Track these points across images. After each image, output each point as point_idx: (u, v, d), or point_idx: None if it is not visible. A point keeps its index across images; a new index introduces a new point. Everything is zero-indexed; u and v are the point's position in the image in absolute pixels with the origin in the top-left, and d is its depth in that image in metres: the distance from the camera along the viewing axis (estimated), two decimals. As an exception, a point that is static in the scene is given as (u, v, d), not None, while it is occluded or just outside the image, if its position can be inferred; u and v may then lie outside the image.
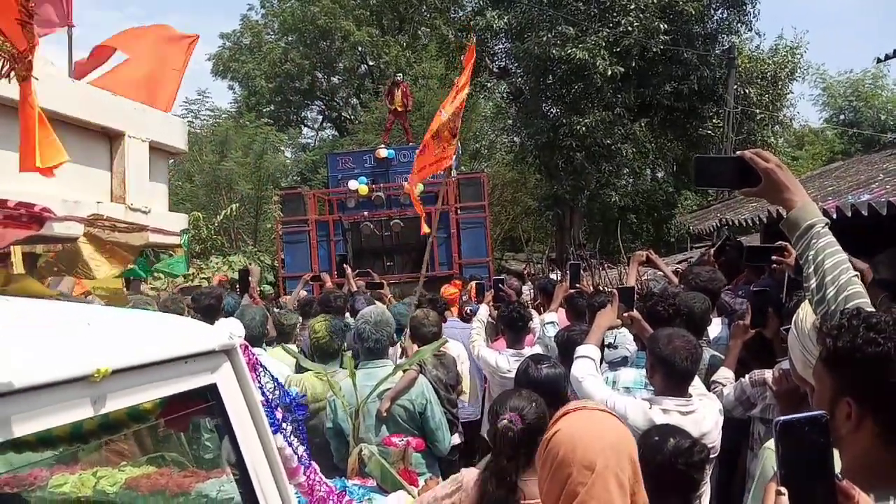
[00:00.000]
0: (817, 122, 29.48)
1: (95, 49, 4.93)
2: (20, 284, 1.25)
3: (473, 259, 12.35)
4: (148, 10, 68.92)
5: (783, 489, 1.15)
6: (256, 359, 1.53)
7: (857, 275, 1.75)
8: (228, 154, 19.51)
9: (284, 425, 1.60)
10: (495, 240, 21.21)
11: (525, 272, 15.46)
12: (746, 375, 3.11)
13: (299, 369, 3.97)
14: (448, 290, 8.05)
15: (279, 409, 1.61)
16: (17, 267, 1.38)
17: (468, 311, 7.00)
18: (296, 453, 1.63)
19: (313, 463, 1.77)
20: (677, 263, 9.64)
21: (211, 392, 1.39)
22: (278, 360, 4.12)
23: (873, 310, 1.49)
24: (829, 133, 28.04)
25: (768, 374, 2.99)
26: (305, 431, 1.72)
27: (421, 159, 6.12)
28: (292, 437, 1.62)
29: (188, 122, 22.30)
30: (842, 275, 1.72)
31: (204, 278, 11.82)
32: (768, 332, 3.33)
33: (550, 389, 2.63)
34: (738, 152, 1.86)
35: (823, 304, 1.72)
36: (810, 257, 1.77)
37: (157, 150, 1.71)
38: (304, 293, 7.32)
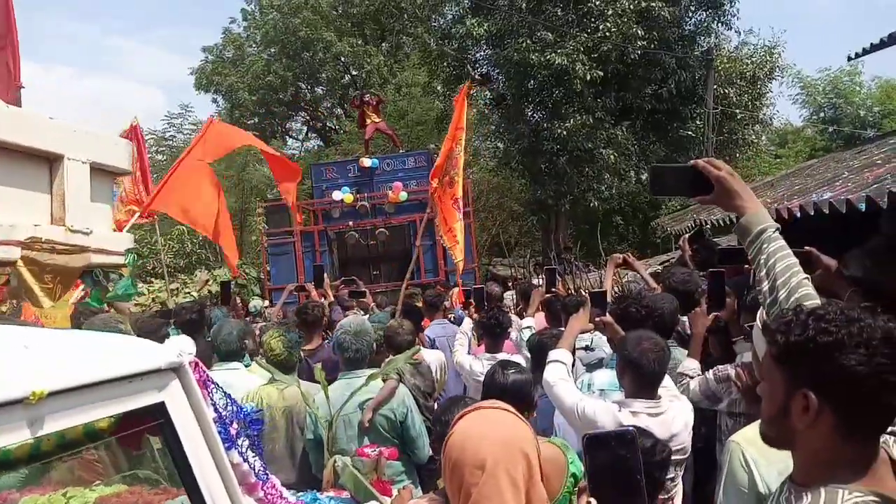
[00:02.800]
0: (798, 120, 29.82)
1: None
2: (-45, 310, 1.25)
3: (458, 266, 12.31)
4: (129, 24, 68.71)
5: (593, 500, 1.20)
6: (208, 376, 1.53)
7: (807, 277, 1.78)
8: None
9: (239, 441, 1.60)
10: (483, 245, 21.23)
11: (512, 277, 15.50)
12: (710, 371, 3.13)
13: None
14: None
15: (234, 424, 1.61)
16: (-37, 291, 1.38)
17: (452, 318, 7.02)
18: (252, 469, 1.63)
19: (272, 477, 1.77)
20: (659, 265, 9.69)
21: (159, 411, 1.40)
22: (258, 375, 4.12)
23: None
24: (809, 131, 28.30)
25: (732, 370, 3.02)
26: (261, 447, 1.72)
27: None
28: (248, 453, 1.62)
29: (170, 136, 22.24)
30: (792, 277, 1.76)
31: (188, 293, 11.79)
32: (725, 313, 3.38)
33: (517, 395, 2.65)
34: (691, 161, 1.91)
35: (776, 306, 1.76)
36: (762, 261, 1.81)
37: (99, 171, 1.72)
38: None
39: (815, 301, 1.71)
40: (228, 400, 1.58)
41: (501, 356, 4.46)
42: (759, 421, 2.05)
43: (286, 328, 4.08)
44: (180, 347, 1.45)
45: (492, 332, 4.58)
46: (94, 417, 1.23)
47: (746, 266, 3.58)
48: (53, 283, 1.46)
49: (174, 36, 68.19)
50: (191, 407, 1.46)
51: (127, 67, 69.64)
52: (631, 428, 1.29)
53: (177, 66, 67.26)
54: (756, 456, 2.05)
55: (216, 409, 1.55)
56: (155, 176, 13.52)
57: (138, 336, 4.09)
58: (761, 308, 2.03)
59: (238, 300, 9.91)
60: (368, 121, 15.01)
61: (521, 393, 2.66)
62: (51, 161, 1.52)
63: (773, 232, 1.82)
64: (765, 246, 1.81)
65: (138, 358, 1.36)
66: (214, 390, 1.53)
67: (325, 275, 6.92)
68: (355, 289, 7.65)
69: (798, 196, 4.44)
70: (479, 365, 4.50)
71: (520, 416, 1.71)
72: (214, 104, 31.37)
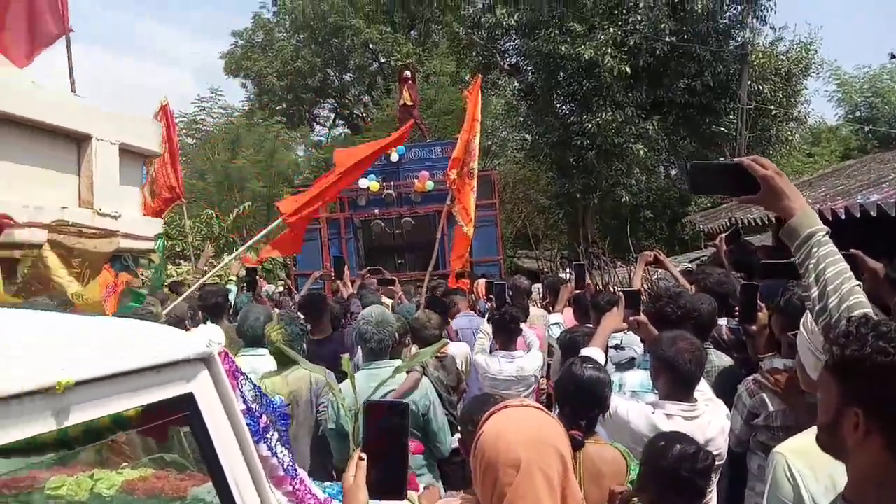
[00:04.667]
0: (833, 118, 29.10)
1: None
2: (-18, 293, 1.22)
3: (484, 257, 12.28)
4: (162, 8, 69.33)
5: (363, 455, 1.36)
6: (237, 366, 1.49)
7: (859, 284, 1.70)
8: (240, 152, 19.58)
9: (268, 434, 1.56)
10: (508, 238, 21.10)
11: (539, 270, 15.40)
12: (741, 386, 3.01)
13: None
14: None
15: (263, 417, 1.57)
16: (-5, 272, 1.35)
17: (479, 311, 6.95)
18: (281, 463, 1.59)
19: (301, 472, 1.73)
20: (689, 262, 9.51)
21: (187, 401, 1.36)
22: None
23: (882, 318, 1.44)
24: (845, 130, 27.63)
25: (762, 378, 2.92)
26: (289, 441, 1.68)
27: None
28: (276, 447, 1.57)
29: (200, 119, 22.41)
30: (844, 284, 1.67)
31: (217, 276, 11.83)
32: (756, 326, 3.26)
33: (591, 391, 2.57)
34: (735, 159, 1.83)
35: (825, 313, 1.67)
36: (811, 266, 1.72)
37: (128, 152, 1.67)
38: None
39: (867, 309, 1.63)
40: (258, 392, 1.54)
41: (517, 353, 4.43)
42: (805, 432, 1.97)
43: (289, 320, 4.04)
44: (210, 337, 1.40)
45: (505, 329, 4.52)
46: (122, 408, 1.18)
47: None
48: (82, 268, 1.42)
49: (206, 20, 68.71)
50: (219, 398, 1.41)
51: (159, 50, 70.35)
52: (406, 402, 1.55)
53: (206, 49, 67.82)
54: (802, 468, 1.97)
55: (245, 401, 1.50)
56: (184, 159, 13.60)
57: (167, 321, 4.10)
58: (805, 314, 1.94)
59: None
60: (402, 100, 14.78)
61: (594, 390, 2.56)
62: (79, 141, 1.48)
63: (823, 235, 1.74)
64: (814, 250, 1.73)
65: (167, 348, 1.31)
66: (244, 382, 1.49)
67: (346, 266, 6.84)
68: (382, 277, 7.62)
69: (841, 197, 4.29)
70: (495, 363, 4.45)
71: (550, 413, 1.65)
72: (244, 89, 31.60)
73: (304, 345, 4.19)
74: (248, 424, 1.51)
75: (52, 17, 4.45)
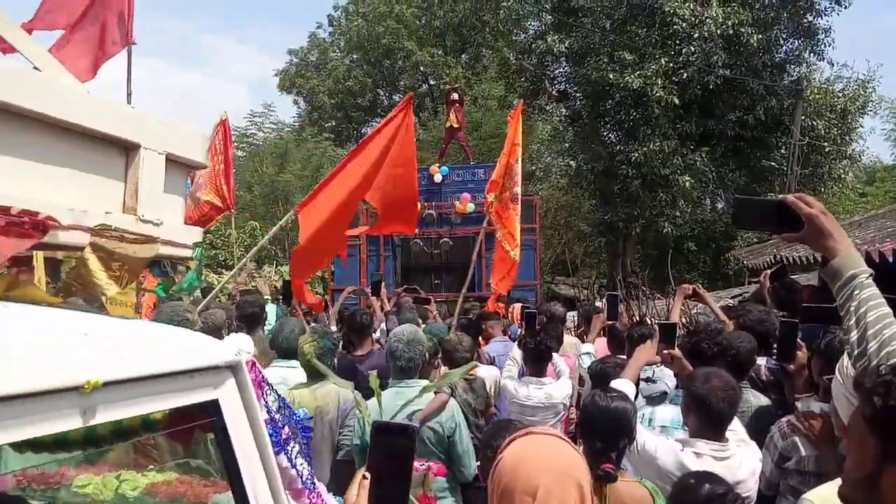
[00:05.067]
0: (889, 157, 28.29)
1: None
2: (23, 290, 1.27)
3: (522, 282, 12.18)
4: (220, 23, 71.57)
5: (367, 474, 1.37)
6: (263, 377, 1.51)
7: None
8: (287, 167, 19.98)
9: (289, 446, 1.58)
10: (546, 263, 20.98)
11: (576, 298, 15.25)
12: (774, 427, 2.92)
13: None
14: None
15: (286, 428, 1.59)
16: (39, 271, 1.40)
17: (510, 336, 6.92)
18: (300, 475, 1.60)
19: (319, 485, 1.74)
20: (731, 298, 9.31)
21: (212, 408, 1.38)
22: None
23: None
24: (902, 170, 26.83)
25: (796, 422, 2.83)
26: (310, 454, 1.69)
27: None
28: (297, 458, 1.59)
29: (251, 133, 22.97)
30: (885, 329, 1.62)
31: (254, 286, 12.05)
32: (794, 366, 3.17)
33: (616, 423, 2.50)
34: (780, 196, 1.81)
35: (864, 358, 1.62)
36: (851, 308, 1.67)
37: (174, 162, 1.73)
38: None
39: None
40: (282, 403, 1.56)
41: (546, 381, 4.40)
42: (836, 480, 1.90)
43: (322, 333, 4.07)
44: (239, 346, 1.43)
45: (535, 357, 4.50)
46: (148, 410, 1.21)
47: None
48: (121, 272, 1.48)
49: (263, 36, 70.72)
50: (244, 407, 1.44)
51: (216, 64, 72.62)
52: (415, 425, 1.64)
53: (263, 65, 69.74)
54: (832, 516, 1.91)
55: (269, 412, 1.52)
56: (233, 171, 13.90)
57: (203, 328, 4.18)
58: (841, 359, 1.89)
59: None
60: (449, 122, 14.83)
61: (620, 421, 2.49)
62: (127, 150, 1.54)
63: (866, 278, 1.69)
64: (856, 292, 1.68)
65: (196, 354, 1.34)
66: (268, 392, 1.51)
67: (383, 283, 6.86)
68: (418, 296, 7.65)
69: (891, 239, 4.15)
70: (524, 388, 4.43)
71: (572, 444, 1.64)
72: (295, 105, 32.35)
73: (335, 359, 4.22)
74: (270, 434, 1.53)
75: (119, 29, 4.64)
